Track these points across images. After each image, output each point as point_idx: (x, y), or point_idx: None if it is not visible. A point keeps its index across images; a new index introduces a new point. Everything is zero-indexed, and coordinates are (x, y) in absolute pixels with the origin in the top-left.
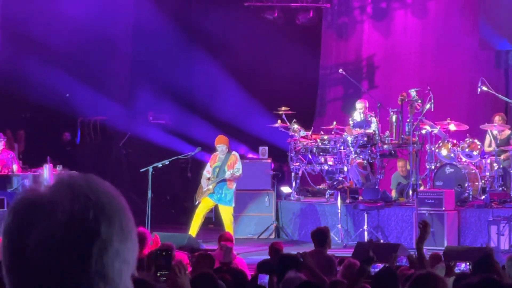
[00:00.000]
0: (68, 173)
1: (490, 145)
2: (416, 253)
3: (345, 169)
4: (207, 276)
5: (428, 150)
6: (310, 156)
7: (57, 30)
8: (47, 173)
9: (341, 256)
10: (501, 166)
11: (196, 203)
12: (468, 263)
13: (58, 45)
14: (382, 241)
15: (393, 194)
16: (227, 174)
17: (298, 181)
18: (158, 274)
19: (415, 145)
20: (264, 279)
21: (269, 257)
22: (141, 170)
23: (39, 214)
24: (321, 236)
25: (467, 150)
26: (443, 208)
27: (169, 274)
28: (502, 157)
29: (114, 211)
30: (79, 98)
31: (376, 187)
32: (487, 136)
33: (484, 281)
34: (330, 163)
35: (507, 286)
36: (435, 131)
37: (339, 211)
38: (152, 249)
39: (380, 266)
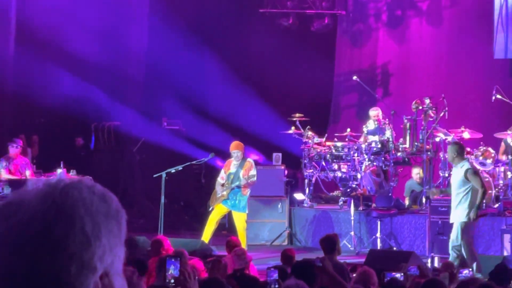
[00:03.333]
0: (61, 177)
1: (504, 153)
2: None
3: (359, 176)
4: (217, 282)
5: (442, 158)
6: (323, 163)
7: (72, 35)
8: None
9: (353, 263)
10: None
11: (210, 209)
12: (470, 269)
13: (73, 50)
14: (395, 248)
15: (407, 201)
16: (242, 181)
17: (311, 188)
18: (167, 280)
19: (428, 152)
20: (274, 275)
21: (281, 263)
22: (154, 176)
23: (4, 215)
24: (330, 243)
25: (480, 158)
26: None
27: (179, 280)
28: None
29: (78, 215)
30: (93, 103)
31: (390, 194)
32: (502, 144)
33: None
34: (343, 170)
35: None
36: (449, 139)
37: (352, 218)
38: (162, 255)
39: (393, 274)
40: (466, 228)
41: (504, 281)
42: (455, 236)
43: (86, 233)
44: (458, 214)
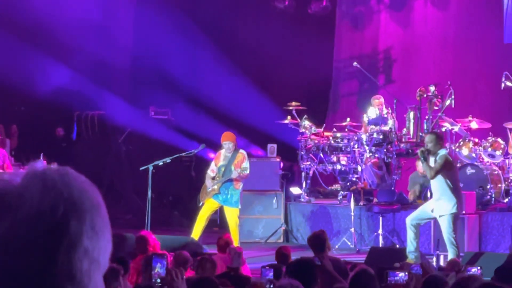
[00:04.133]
0: (42, 165)
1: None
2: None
3: (359, 169)
4: (208, 282)
5: (448, 149)
6: (321, 154)
7: (54, 20)
8: None
9: (353, 262)
10: None
11: (200, 204)
12: (479, 267)
13: (55, 35)
14: (398, 246)
15: (410, 196)
16: (234, 174)
17: (308, 181)
18: (154, 280)
19: None
20: (269, 275)
21: (276, 262)
22: (141, 169)
23: (5, 208)
24: (319, 241)
25: (489, 149)
26: (463, 212)
27: (165, 279)
28: None
29: (86, 208)
30: (76, 91)
31: (392, 188)
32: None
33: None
34: (343, 162)
35: None
36: (456, 129)
37: (352, 214)
38: (149, 253)
39: (398, 274)
40: (456, 220)
41: (511, 279)
42: (450, 230)
43: (95, 227)
44: (445, 207)
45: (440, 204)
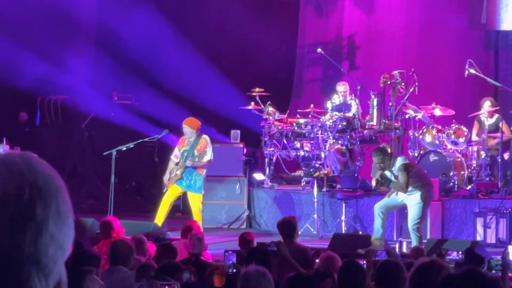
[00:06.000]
0: (3, 150)
1: (478, 135)
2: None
3: (323, 155)
4: (172, 266)
5: (411, 136)
6: (285, 141)
7: (16, 5)
8: None
9: (316, 248)
10: (489, 155)
11: (164, 190)
12: (460, 252)
13: (16, 19)
14: (360, 232)
15: (373, 182)
16: (188, 162)
17: (272, 167)
18: None
19: (397, 130)
20: (232, 259)
21: (239, 248)
22: (104, 154)
23: None
24: (288, 227)
25: (453, 136)
26: (434, 199)
27: None
28: (489, 143)
29: (51, 193)
30: (39, 76)
31: (355, 175)
32: (476, 123)
33: (467, 274)
34: (306, 148)
35: (491, 280)
36: (419, 116)
37: (315, 200)
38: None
39: (362, 261)
40: (426, 208)
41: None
42: (417, 218)
43: (60, 212)
44: (416, 198)
45: (411, 196)
